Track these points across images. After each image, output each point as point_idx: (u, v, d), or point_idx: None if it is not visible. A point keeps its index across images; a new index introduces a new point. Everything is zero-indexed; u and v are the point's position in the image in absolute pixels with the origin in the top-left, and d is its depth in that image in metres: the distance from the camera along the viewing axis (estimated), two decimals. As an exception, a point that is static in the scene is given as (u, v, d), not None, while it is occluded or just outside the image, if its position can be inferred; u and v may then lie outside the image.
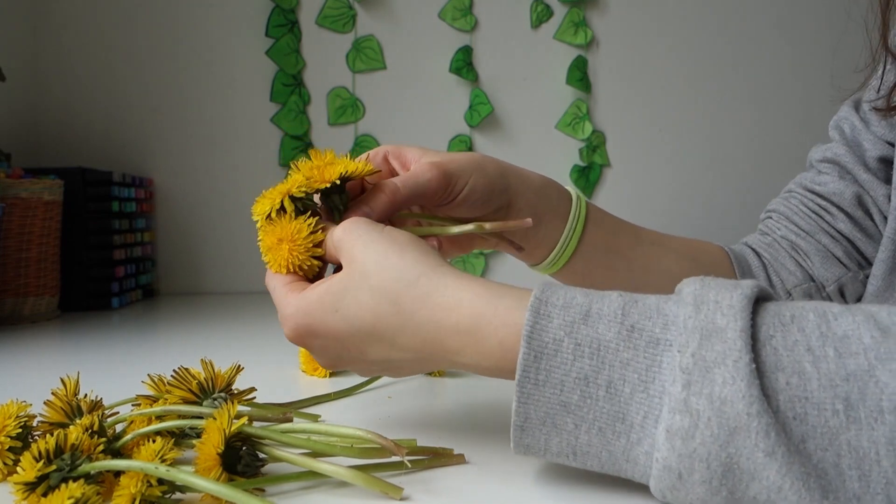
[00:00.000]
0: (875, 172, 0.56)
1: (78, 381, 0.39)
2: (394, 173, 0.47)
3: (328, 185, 0.41)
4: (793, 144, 1.40)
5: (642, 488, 0.32)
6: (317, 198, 0.43)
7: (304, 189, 0.41)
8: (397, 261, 0.35)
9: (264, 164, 1.34)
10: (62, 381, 0.39)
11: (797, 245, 0.59)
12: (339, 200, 0.43)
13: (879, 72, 0.55)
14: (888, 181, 0.55)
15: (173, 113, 1.33)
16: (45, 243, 1.00)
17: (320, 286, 0.38)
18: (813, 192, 0.60)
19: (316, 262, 0.41)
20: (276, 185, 0.42)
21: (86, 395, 0.39)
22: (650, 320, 0.30)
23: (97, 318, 1.00)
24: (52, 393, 0.38)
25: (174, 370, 0.38)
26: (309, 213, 0.41)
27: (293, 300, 0.38)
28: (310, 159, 0.43)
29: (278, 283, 0.40)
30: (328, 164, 0.42)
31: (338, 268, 0.41)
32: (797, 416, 0.27)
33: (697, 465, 0.28)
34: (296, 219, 0.41)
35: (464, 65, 1.33)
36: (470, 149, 1.35)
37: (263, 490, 0.33)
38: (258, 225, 0.42)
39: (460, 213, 0.47)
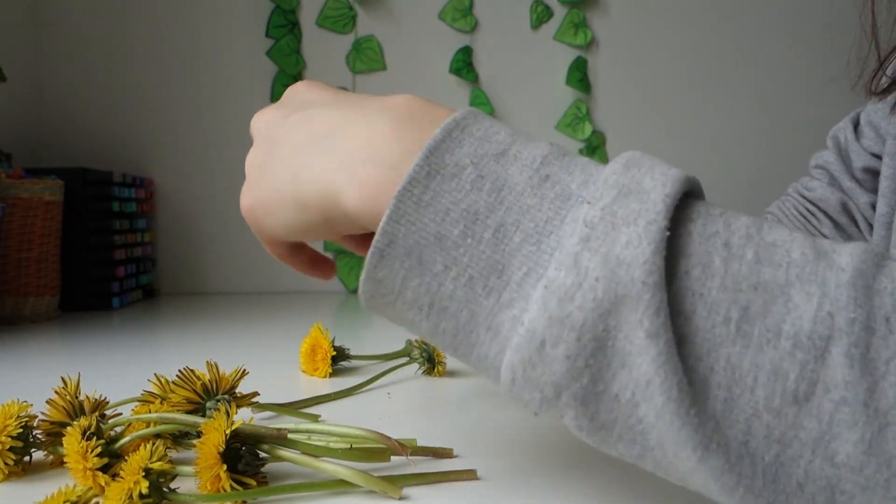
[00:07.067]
0: (860, 182, 0.60)
1: (78, 383, 0.39)
2: None
3: None
4: (793, 145, 1.40)
5: (644, 490, 0.32)
6: None
7: None
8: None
9: (264, 164, 1.34)
10: (63, 379, 0.39)
11: None
12: None
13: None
14: (872, 190, 0.59)
15: (173, 113, 1.33)
16: (46, 243, 1.00)
17: None
18: (803, 196, 0.65)
19: None
20: None
21: (91, 394, 0.39)
22: (570, 175, 0.26)
23: (97, 318, 1.00)
24: (55, 391, 0.38)
25: (179, 370, 0.38)
26: None
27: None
28: None
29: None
30: None
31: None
32: (682, 312, 0.23)
33: (567, 334, 0.23)
34: None
35: (464, 65, 1.33)
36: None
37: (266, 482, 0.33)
38: None
39: None
